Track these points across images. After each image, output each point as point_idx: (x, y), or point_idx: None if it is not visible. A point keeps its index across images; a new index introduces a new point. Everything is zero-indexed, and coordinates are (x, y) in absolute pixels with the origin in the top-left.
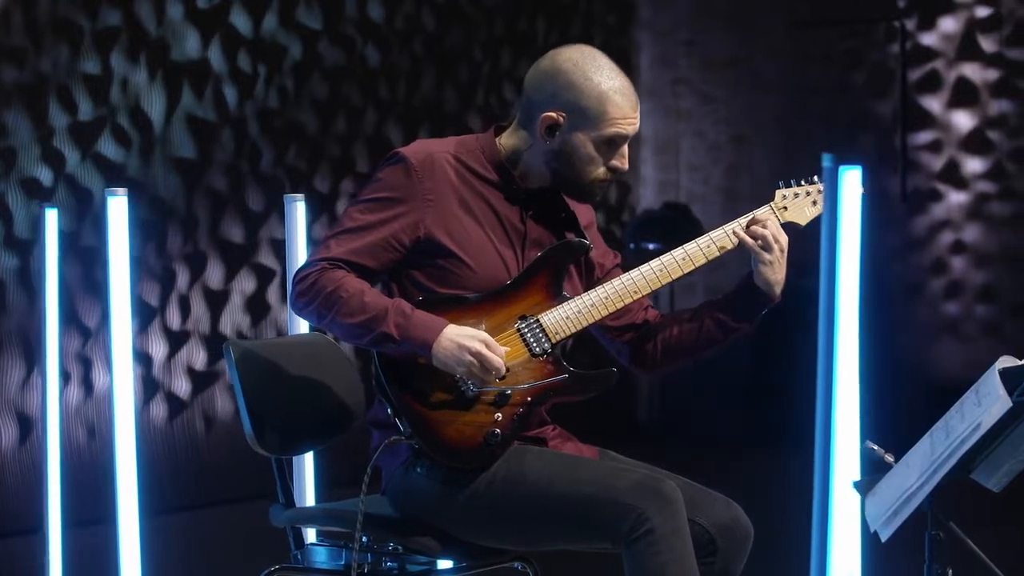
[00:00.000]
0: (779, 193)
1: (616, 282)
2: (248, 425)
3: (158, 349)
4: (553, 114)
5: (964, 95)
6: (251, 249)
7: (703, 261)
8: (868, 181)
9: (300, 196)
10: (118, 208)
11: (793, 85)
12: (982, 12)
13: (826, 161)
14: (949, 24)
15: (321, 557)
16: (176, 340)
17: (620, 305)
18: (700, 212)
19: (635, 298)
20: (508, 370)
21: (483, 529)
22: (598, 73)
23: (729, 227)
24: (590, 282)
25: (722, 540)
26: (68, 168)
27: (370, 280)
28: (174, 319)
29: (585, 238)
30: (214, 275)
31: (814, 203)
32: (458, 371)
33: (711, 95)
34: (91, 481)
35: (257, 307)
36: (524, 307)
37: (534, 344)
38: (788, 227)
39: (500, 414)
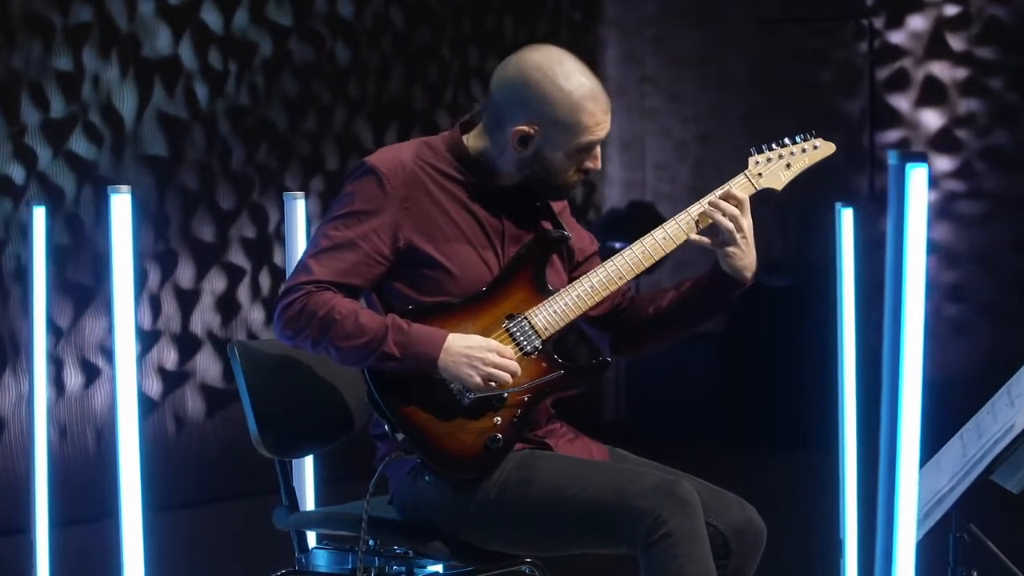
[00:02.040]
0: (752, 160)
1: (600, 271)
2: (253, 427)
3: None
4: (525, 128)
5: (932, 94)
6: (222, 248)
7: (684, 238)
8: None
9: (300, 194)
10: (121, 206)
11: (761, 83)
12: (951, 11)
13: (892, 159)
14: (917, 22)
15: (327, 561)
16: (146, 340)
17: (606, 293)
18: (667, 211)
19: (620, 284)
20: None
21: (495, 535)
22: (568, 81)
23: (705, 200)
24: (571, 268)
25: (736, 542)
26: (40, 166)
27: (356, 297)
28: (145, 318)
29: (563, 227)
30: (185, 274)
31: (788, 166)
32: (470, 383)
33: (678, 93)
34: (63, 481)
35: (227, 306)
36: (510, 306)
37: (524, 343)
38: (766, 193)
39: (499, 418)
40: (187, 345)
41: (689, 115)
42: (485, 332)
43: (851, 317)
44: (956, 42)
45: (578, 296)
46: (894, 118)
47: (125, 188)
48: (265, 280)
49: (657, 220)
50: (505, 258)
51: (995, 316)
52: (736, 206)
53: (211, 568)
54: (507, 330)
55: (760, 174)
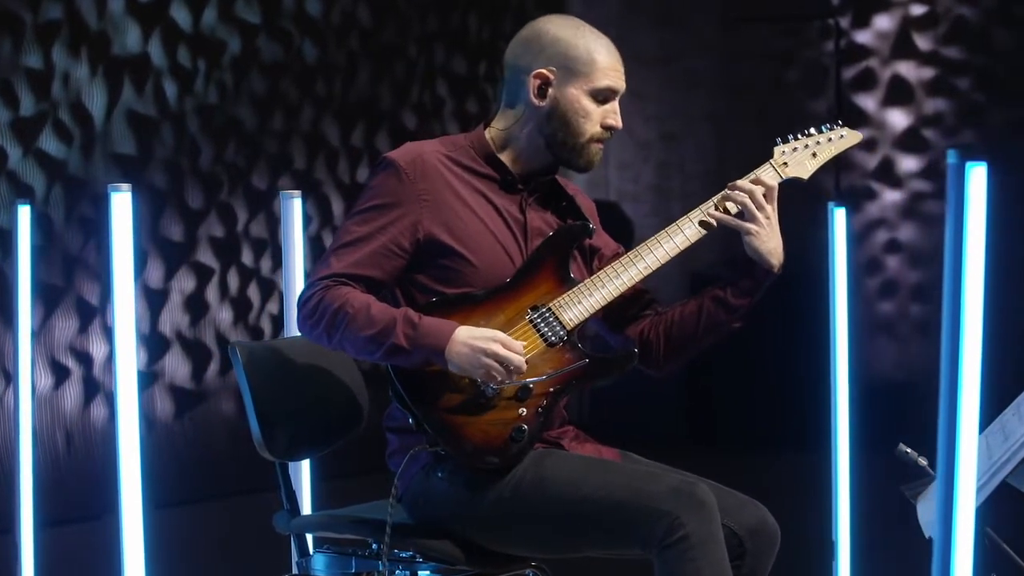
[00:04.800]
0: (777, 149)
1: (627, 262)
2: (256, 429)
3: (99, 349)
4: (544, 71)
5: (899, 93)
6: (190, 247)
7: (713, 226)
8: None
9: (296, 192)
10: (122, 204)
11: (725, 82)
12: (917, 10)
13: (951, 157)
14: (884, 22)
15: (327, 565)
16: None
17: (632, 284)
18: (630, 210)
19: (646, 274)
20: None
21: (507, 535)
22: (581, 28)
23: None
24: (590, 268)
25: (751, 543)
26: (10, 164)
27: (378, 292)
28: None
29: (587, 220)
30: (153, 274)
31: (814, 155)
32: (477, 375)
33: (641, 92)
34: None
35: (196, 306)
36: (534, 297)
37: (549, 334)
38: (791, 183)
39: (524, 409)
40: (156, 346)
41: (652, 114)
42: (509, 324)
43: (843, 317)
44: (923, 42)
45: (603, 286)
46: (860, 118)
47: (125, 187)
48: (233, 280)
49: (621, 219)
50: (527, 250)
51: None
52: (764, 193)
53: (196, 569)
54: (531, 321)
55: (786, 163)
